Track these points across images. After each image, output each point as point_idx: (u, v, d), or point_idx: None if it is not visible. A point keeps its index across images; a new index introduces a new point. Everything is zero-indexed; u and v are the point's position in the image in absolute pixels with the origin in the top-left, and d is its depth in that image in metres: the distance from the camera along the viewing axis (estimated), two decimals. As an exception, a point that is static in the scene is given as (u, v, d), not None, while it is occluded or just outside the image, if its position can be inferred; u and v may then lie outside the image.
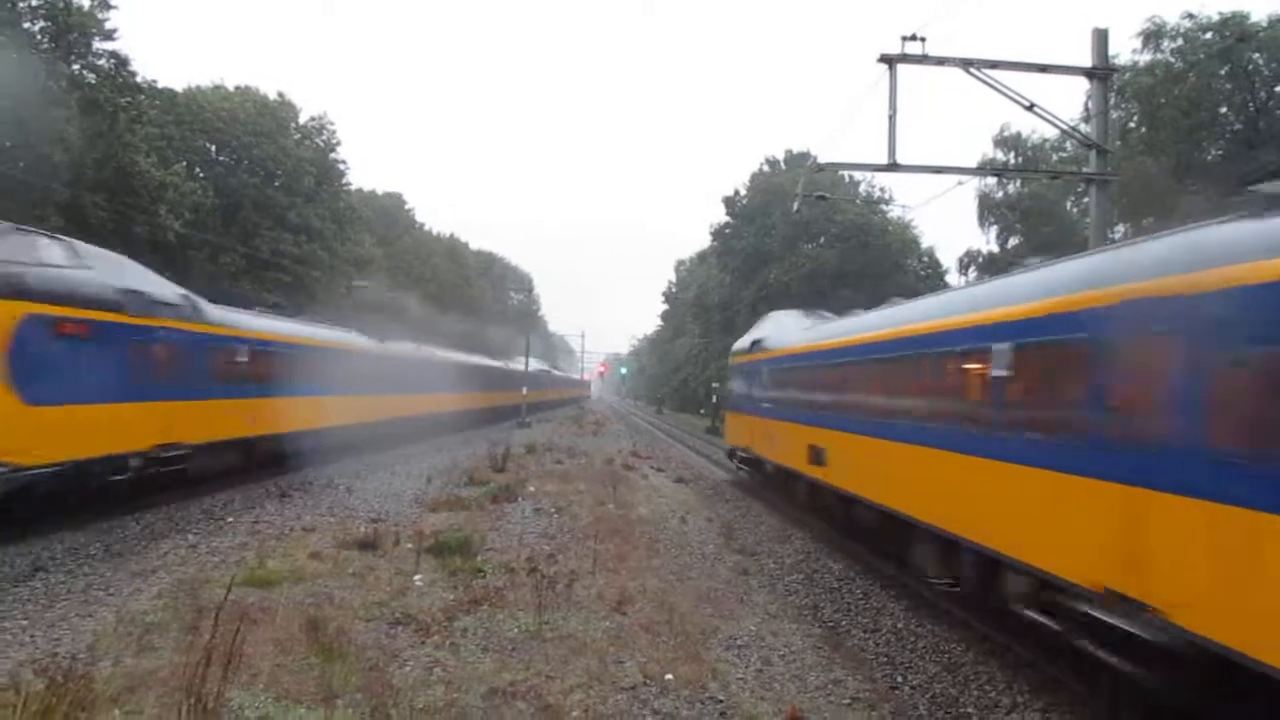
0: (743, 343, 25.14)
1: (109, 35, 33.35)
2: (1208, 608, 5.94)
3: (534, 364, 58.25)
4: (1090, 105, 17.97)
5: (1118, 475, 6.86)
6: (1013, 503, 8.54)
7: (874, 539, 13.49)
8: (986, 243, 50.46)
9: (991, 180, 47.30)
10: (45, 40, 31.15)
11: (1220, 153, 35.51)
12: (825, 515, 16.29)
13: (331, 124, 52.38)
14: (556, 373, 79.46)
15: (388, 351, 30.54)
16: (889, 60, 15.49)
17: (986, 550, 8.97)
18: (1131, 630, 6.55)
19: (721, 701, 7.07)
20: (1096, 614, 6.99)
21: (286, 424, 21.36)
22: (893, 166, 15.85)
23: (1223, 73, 33.90)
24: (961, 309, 10.73)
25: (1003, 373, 8.86)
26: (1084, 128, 20.50)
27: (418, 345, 35.89)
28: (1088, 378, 7.48)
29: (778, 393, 19.90)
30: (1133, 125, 36.87)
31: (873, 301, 17.85)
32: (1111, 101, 19.24)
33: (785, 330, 20.83)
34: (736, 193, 67.37)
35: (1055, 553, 7.74)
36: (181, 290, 17.68)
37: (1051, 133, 44.56)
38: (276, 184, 47.31)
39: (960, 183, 18.20)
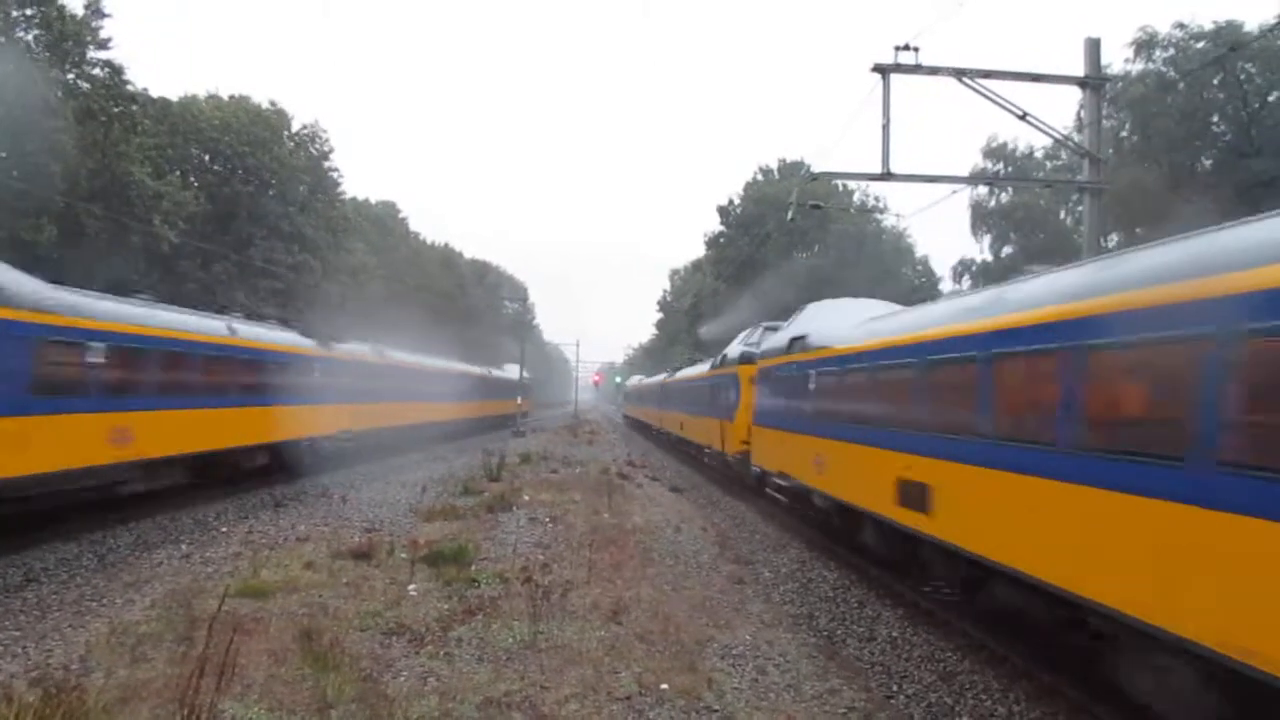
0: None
1: (103, 44, 33.36)
2: None
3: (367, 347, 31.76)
4: (1083, 114, 18.07)
5: None
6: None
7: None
8: (980, 251, 50.73)
9: (984, 189, 47.57)
10: (40, 49, 31.13)
11: (1213, 162, 35.69)
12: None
13: (324, 132, 52.42)
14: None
15: None
16: (882, 70, 15.56)
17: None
18: None
19: (717, 711, 7.05)
20: None
21: None
22: (886, 176, 15.91)
23: (1215, 82, 34.09)
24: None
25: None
26: (1076, 137, 20.60)
27: None
28: None
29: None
30: (1125, 134, 37.06)
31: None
32: (1104, 111, 19.32)
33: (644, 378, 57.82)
34: (731, 201, 67.56)
35: None
36: None
37: (1041, 142, 44.87)
38: (270, 193, 47.30)
39: (954, 191, 18.32)
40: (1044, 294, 8.55)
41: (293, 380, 22.89)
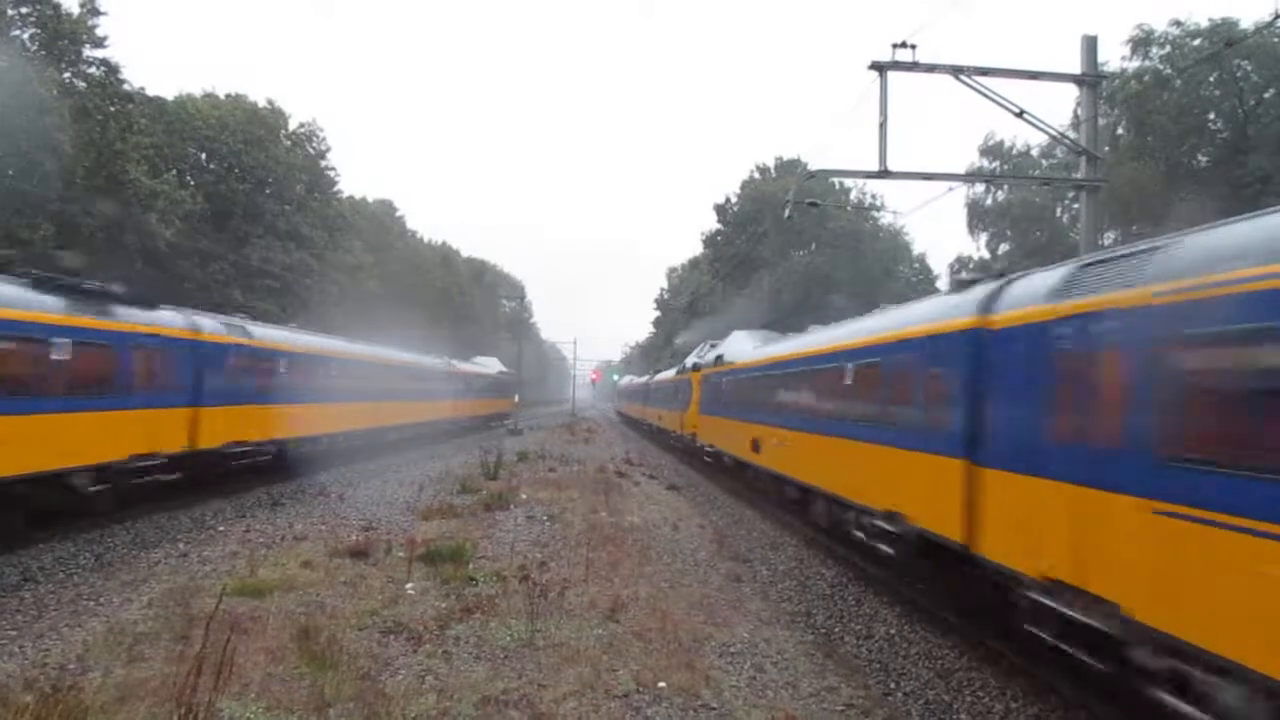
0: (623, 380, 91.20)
1: (99, 42, 33.34)
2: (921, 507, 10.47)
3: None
4: (1080, 112, 18.08)
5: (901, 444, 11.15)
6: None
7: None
8: (977, 249, 50.78)
9: (980, 187, 47.63)
10: (36, 47, 31.09)
11: (1209, 159, 35.73)
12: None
13: (321, 130, 52.47)
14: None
15: None
16: (880, 67, 15.57)
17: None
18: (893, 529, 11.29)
19: (715, 709, 7.06)
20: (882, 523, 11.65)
21: None
22: (884, 173, 15.91)
23: (1211, 79, 34.13)
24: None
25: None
26: (1072, 134, 20.61)
27: None
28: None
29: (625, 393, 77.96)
30: (1121, 132, 37.11)
31: (864, 308, 17.94)
32: (1101, 108, 19.34)
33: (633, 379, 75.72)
34: (728, 199, 67.62)
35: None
36: None
37: (1038, 140, 44.91)
38: (267, 192, 47.27)
39: (950, 189, 18.30)
40: (792, 347, 18.41)
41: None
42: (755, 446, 19.83)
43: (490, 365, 57.26)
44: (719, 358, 26.18)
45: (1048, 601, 7.61)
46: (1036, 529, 7.82)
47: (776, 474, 18.26)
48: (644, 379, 62.49)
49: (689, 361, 34.21)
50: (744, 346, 24.36)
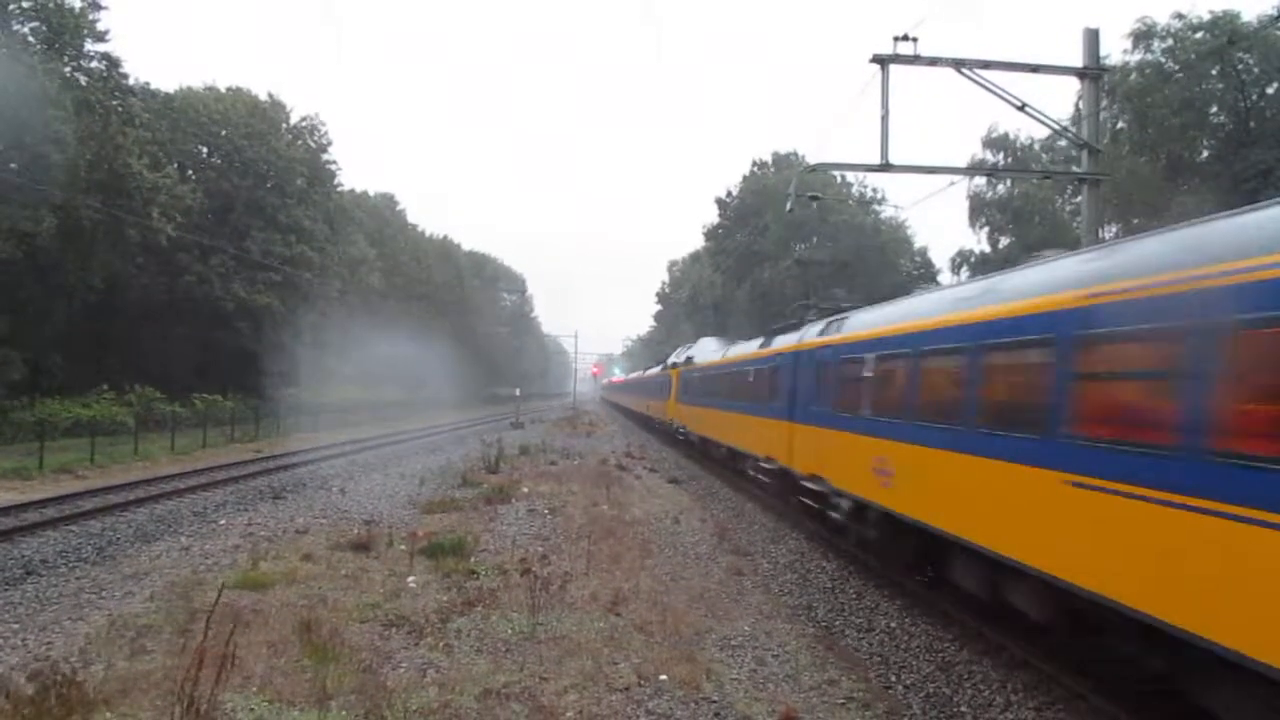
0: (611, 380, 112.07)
1: (100, 36, 33.27)
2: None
3: None
4: (1081, 105, 18.02)
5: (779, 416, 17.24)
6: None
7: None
8: (978, 243, 50.59)
9: (982, 181, 47.40)
10: (37, 42, 31.02)
11: (1210, 153, 35.61)
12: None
13: (323, 124, 52.29)
14: None
15: None
16: (881, 60, 15.51)
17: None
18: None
19: (716, 702, 7.07)
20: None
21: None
22: (885, 167, 15.85)
23: (1213, 73, 33.98)
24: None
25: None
26: (1074, 128, 20.55)
27: None
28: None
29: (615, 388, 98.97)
30: (1123, 125, 36.99)
31: (865, 301, 17.93)
32: (1103, 102, 19.28)
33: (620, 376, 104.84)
34: (729, 193, 67.43)
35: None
36: None
37: (1040, 133, 44.72)
38: (268, 185, 47.17)
39: (952, 183, 18.23)
40: (724, 358, 26.52)
41: None
42: (698, 422, 29.64)
43: None
44: (689, 359, 34.29)
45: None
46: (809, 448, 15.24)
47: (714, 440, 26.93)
48: (630, 376, 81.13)
49: (669, 360, 43.11)
50: (714, 348, 31.71)
